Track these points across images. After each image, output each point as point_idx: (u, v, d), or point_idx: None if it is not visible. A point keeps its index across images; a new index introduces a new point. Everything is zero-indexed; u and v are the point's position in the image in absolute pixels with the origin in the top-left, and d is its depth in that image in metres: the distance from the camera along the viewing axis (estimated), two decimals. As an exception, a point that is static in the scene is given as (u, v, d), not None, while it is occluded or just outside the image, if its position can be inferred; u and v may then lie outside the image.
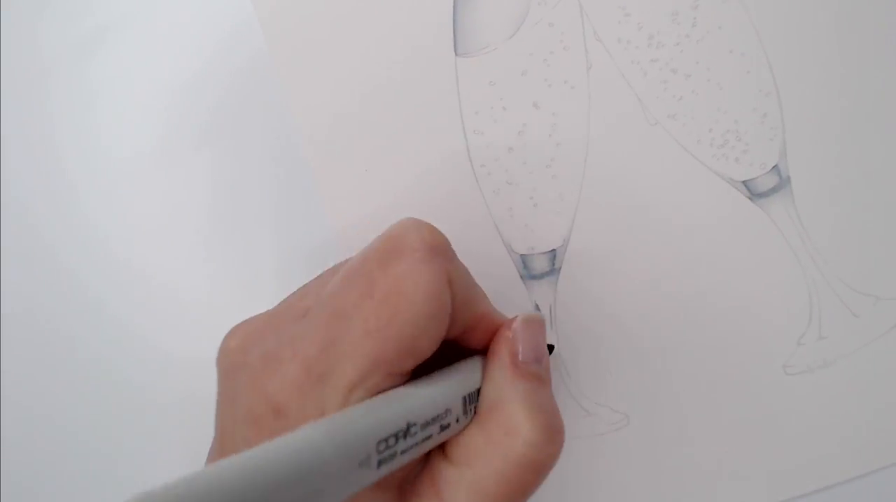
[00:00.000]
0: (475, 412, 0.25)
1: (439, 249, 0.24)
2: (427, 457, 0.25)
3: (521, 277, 0.34)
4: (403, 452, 0.22)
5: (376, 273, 0.23)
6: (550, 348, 0.34)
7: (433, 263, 0.23)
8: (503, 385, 0.25)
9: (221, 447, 0.25)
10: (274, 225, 0.35)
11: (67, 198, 0.36)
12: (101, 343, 0.36)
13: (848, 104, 0.32)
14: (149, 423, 0.36)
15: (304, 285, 0.28)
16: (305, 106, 0.34)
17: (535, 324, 0.27)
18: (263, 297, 0.35)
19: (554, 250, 0.34)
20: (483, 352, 0.27)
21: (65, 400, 0.36)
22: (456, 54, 0.33)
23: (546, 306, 0.34)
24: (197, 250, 0.36)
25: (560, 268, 0.34)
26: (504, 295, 0.34)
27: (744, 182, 0.33)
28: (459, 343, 0.27)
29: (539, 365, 0.26)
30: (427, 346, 0.24)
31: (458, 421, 0.25)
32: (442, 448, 0.25)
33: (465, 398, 0.25)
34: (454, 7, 0.33)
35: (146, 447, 0.36)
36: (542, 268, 0.34)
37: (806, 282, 0.33)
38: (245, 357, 0.25)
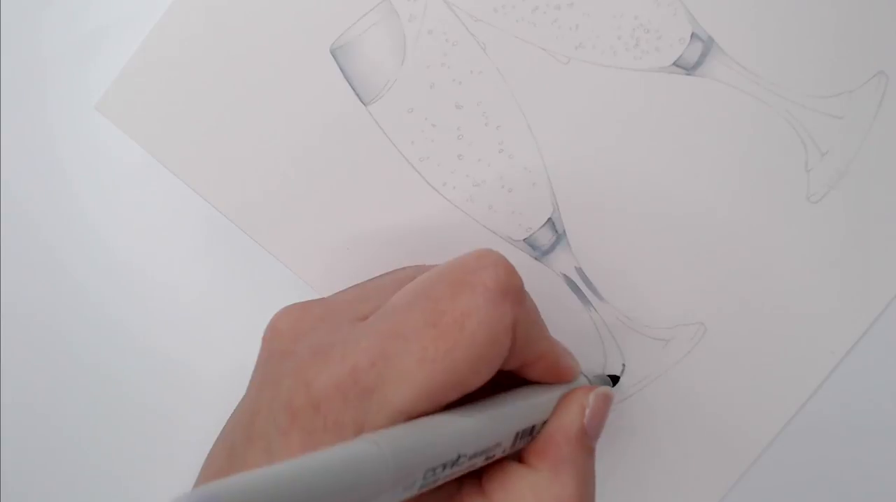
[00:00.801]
0: (523, 459, 0.26)
1: (511, 291, 0.24)
2: (459, 478, 0.25)
3: (536, 259, 0.34)
4: (445, 477, 0.22)
5: (444, 302, 0.24)
6: (615, 378, 0.35)
7: (502, 306, 0.24)
8: (565, 449, 0.26)
9: (251, 422, 0.25)
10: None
11: (67, 199, 0.36)
12: (100, 343, 0.36)
13: None
14: (148, 424, 0.36)
15: (362, 285, 0.28)
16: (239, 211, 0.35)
17: (608, 401, 0.28)
18: (263, 297, 0.35)
19: (549, 218, 0.34)
20: (534, 382, 0.28)
21: (64, 400, 0.36)
22: (365, 104, 0.34)
23: (572, 271, 0.34)
24: (197, 251, 0.36)
25: (564, 230, 0.34)
26: (530, 285, 0.34)
27: (674, 63, 0.33)
28: (513, 372, 0.27)
29: (595, 440, 0.27)
30: (476, 382, 0.24)
31: (503, 451, 0.25)
32: (478, 474, 0.25)
33: (517, 434, 0.25)
34: (340, 67, 0.34)
35: (145, 447, 0.36)
36: (548, 240, 0.34)
37: (780, 115, 0.33)
38: (295, 345, 0.25)
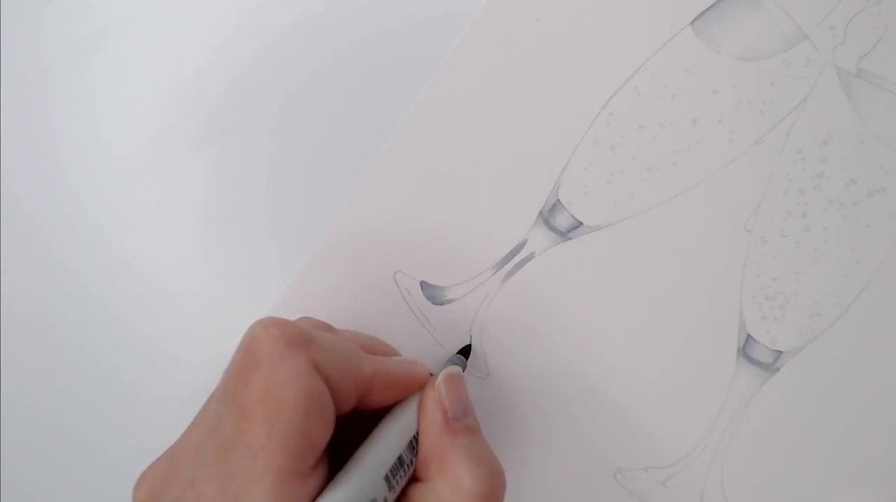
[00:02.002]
0: (413, 475, 0.27)
1: (293, 342, 0.24)
2: None
3: (539, 214, 0.34)
4: None
5: (241, 391, 0.24)
6: (467, 350, 0.35)
7: (290, 360, 0.24)
8: (441, 443, 0.26)
9: None
10: (272, 224, 0.36)
11: (67, 197, 0.36)
12: (99, 341, 0.37)
13: (876, 385, 0.32)
14: (148, 421, 0.37)
15: (196, 415, 0.28)
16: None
17: (456, 379, 0.28)
18: (262, 296, 0.35)
19: (581, 223, 0.34)
20: (391, 407, 0.28)
21: (64, 398, 0.37)
22: (691, 22, 0.32)
23: (530, 250, 0.34)
24: (196, 249, 0.36)
25: (570, 239, 0.34)
26: (509, 218, 0.34)
27: (748, 335, 0.33)
28: (367, 409, 0.27)
29: (468, 416, 0.27)
30: (320, 437, 0.24)
31: (391, 490, 0.25)
32: None
33: (387, 476, 0.25)
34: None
35: (146, 445, 0.36)
36: (560, 224, 0.34)
37: (700, 442, 0.33)
38: None
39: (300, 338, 0.25)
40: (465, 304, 0.35)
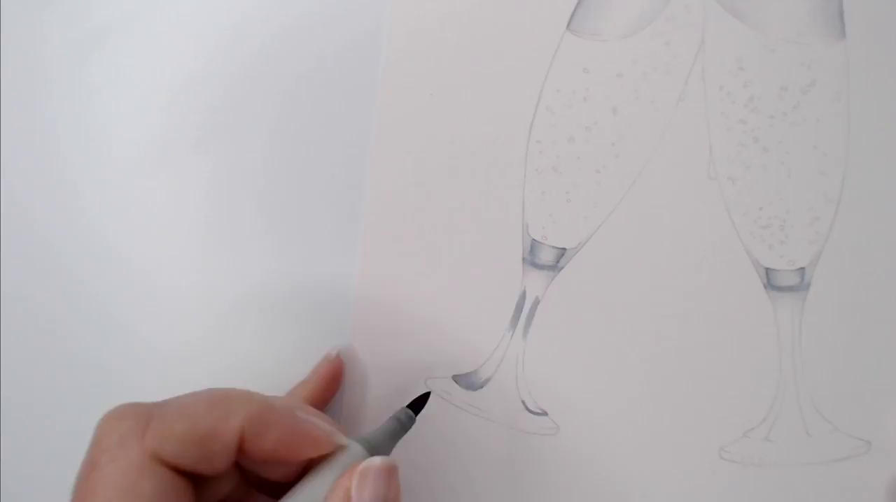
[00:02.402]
0: None
1: (127, 437, 0.24)
2: None
3: (523, 260, 0.34)
4: None
5: (83, 485, 0.24)
6: (424, 399, 0.32)
7: (123, 459, 0.23)
8: None
9: None
10: (272, 223, 0.35)
11: (67, 198, 0.36)
12: (99, 340, 0.37)
13: None
14: None
15: None
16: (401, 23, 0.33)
17: (387, 474, 0.25)
18: (262, 294, 0.35)
19: (565, 249, 0.34)
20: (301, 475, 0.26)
21: (62, 397, 0.37)
22: (567, 27, 0.32)
23: (533, 296, 0.34)
24: (196, 249, 0.36)
25: (562, 267, 0.34)
26: (500, 270, 0.34)
27: (766, 268, 0.33)
28: (258, 458, 0.25)
29: None
30: None
31: None
32: None
33: None
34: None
35: None
36: (546, 260, 0.34)
37: (778, 383, 0.33)
38: None
39: (136, 430, 0.24)
40: (502, 376, 0.35)
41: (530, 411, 0.35)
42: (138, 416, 0.24)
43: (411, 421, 0.30)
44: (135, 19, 0.35)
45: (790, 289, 0.33)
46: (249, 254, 0.35)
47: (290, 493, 0.25)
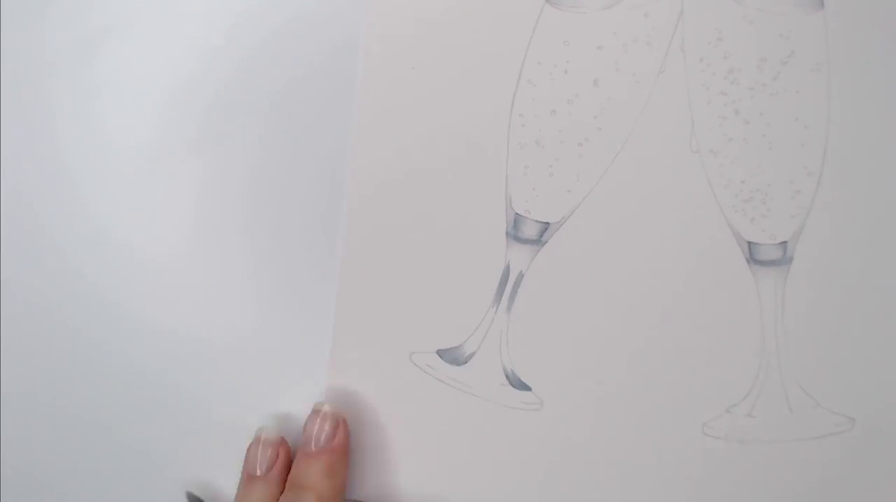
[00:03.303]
0: None
1: None
2: None
3: (507, 234, 0.34)
4: None
5: None
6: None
7: None
8: None
9: None
10: (273, 223, 0.36)
11: (69, 198, 0.36)
12: (102, 335, 0.37)
13: (880, 221, 0.32)
14: (145, 420, 0.37)
15: None
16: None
17: None
18: (262, 294, 0.36)
19: (548, 223, 0.34)
20: None
21: (65, 392, 0.37)
22: (546, 0, 0.33)
23: (517, 271, 0.34)
24: (198, 246, 0.36)
25: (546, 242, 0.34)
26: (483, 245, 0.34)
27: (749, 242, 0.33)
28: None
29: None
30: None
31: None
32: None
33: None
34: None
35: (147, 440, 0.37)
36: (529, 234, 0.34)
37: (760, 358, 0.33)
38: None
39: None
40: (486, 350, 0.35)
41: (514, 386, 0.35)
42: None
43: None
44: (135, 19, 0.35)
45: (772, 263, 0.33)
46: (250, 250, 0.36)
47: None
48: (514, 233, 0.34)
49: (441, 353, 0.35)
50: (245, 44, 0.35)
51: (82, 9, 0.35)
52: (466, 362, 0.35)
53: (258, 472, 0.33)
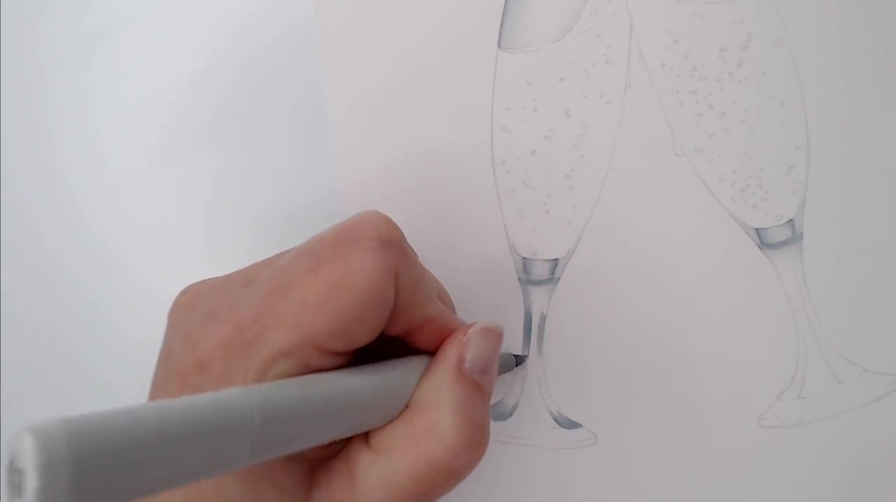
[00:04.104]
0: (406, 405, 0.25)
1: (392, 243, 0.24)
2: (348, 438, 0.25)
3: (520, 280, 0.34)
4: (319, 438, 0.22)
5: (325, 254, 0.24)
6: (520, 359, 0.34)
7: (382, 255, 0.23)
8: (441, 385, 0.25)
9: (152, 396, 0.26)
10: (276, 226, 0.35)
11: (66, 199, 0.36)
12: (98, 345, 0.36)
13: (878, 175, 0.32)
14: None
15: (259, 262, 0.28)
16: (339, 75, 0.34)
17: (493, 334, 0.27)
18: None
19: (556, 260, 0.34)
20: (428, 354, 0.27)
21: (63, 402, 0.37)
22: (499, 47, 0.33)
23: (538, 313, 0.34)
24: (198, 252, 0.36)
25: (559, 278, 0.34)
26: (499, 295, 0.34)
27: (756, 229, 0.33)
28: (406, 341, 0.26)
29: (483, 375, 0.26)
30: (362, 334, 0.24)
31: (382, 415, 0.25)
32: (365, 432, 0.25)
33: (391, 395, 0.25)
34: (506, 0, 0.33)
35: None
36: (541, 274, 0.34)
37: (797, 339, 0.33)
38: (190, 313, 0.26)
39: (399, 243, 0.24)
40: (529, 398, 0.34)
41: (564, 427, 0.34)
42: (399, 236, 0.25)
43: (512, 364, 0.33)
44: (135, 19, 0.34)
45: (784, 243, 0.32)
46: (251, 253, 0.35)
47: (409, 359, 0.26)
48: (527, 277, 0.34)
49: (484, 411, 0.35)
50: (244, 44, 0.34)
51: (80, 9, 0.35)
52: (512, 414, 0.35)
53: None
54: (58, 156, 0.35)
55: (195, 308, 0.26)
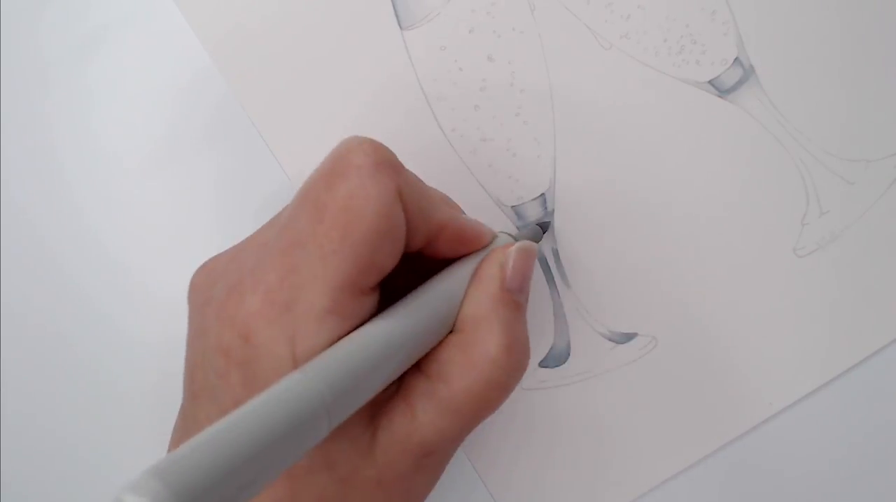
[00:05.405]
0: (452, 328, 0.26)
1: (385, 163, 0.24)
2: None
3: (518, 228, 0.34)
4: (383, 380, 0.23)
5: (323, 196, 0.24)
6: (545, 226, 0.34)
7: (379, 178, 0.23)
8: (486, 306, 0.26)
9: (192, 380, 0.25)
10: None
11: (66, 199, 0.36)
12: (98, 345, 0.36)
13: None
14: (147, 428, 0.36)
15: (266, 223, 0.28)
16: (252, 97, 0.35)
17: (530, 254, 0.27)
18: None
19: (543, 194, 0.34)
20: (451, 261, 0.27)
21: (63, 403, 0.36)
22: (401, 28, 0.33)
23: (550, 251, 0.34)
24: (198, 252, 0.36)
25: (553, 210, 0.34)
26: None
27: (709, 82, 0.33)
28: (427, 255, 0.27)
29: (521, 294, 0.27)
30: (387, 261, 0.24)
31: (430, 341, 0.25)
32: (416, 363, 0.26)
33: (440, 321, 0.26)
34: (389, -15, 0.33)
35: (146, 450, 0.36)
36: (535, 214, 0.34)
37: (794, 163, 0.33)
38: (211, 291, 0.26)
39: (391, 162, 0.24)
40: (578, 332, 0.35)
41: (622, 343, 0.34)
42: (389, 154, 0.24)
43: (539, 236, 0.33)
44: (135, 19, 0.35)
45: (740, 82, 0.33)
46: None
47: (439, 277, 0.27)
48: (523, 222, 0.34)
49: (543, 364, 0.35)
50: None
51: (81, 9, 0.35)
52: (569, 356, 0.35)
53: None
54: (58, 156, 0.36)
55: (214, 284, 0.26)
